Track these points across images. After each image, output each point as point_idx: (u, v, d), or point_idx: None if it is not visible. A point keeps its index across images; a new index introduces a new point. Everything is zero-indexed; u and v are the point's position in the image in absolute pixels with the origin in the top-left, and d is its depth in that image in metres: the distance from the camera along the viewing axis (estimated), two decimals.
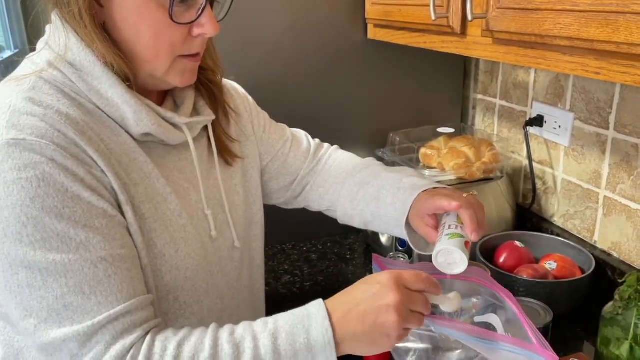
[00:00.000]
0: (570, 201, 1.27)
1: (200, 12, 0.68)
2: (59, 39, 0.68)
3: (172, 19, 0.66)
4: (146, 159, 0.72)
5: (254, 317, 0.69)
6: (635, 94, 1.07)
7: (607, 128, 1.14)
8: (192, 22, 0.69)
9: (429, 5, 1.00)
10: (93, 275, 0.61)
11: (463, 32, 0.97)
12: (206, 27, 0.70)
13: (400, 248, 1.32)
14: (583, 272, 1.14)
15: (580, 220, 1.25)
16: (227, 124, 0.87)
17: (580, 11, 0.69)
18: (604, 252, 1.19)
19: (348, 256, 1.44)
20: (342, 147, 1.50)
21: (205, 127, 0.83)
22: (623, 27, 0.64)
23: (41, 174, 0.60)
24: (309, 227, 1.51)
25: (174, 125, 0.76)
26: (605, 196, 1.17)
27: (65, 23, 0.67)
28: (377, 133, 1.48)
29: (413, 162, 1.36)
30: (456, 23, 0.97)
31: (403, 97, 1.51)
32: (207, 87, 0.83)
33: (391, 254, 1.21)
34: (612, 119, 1.12)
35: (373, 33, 1.36)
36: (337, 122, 1.46)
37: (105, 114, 0.69)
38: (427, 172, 1.31)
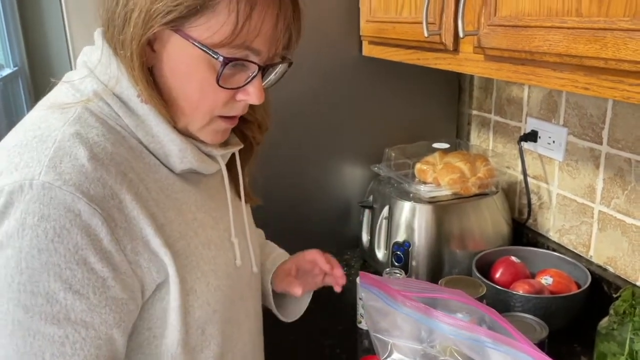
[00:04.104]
0: (566, 216, 1.28)
1: (249, 80, 0.67)
2: (108, 70, 0.67)
3: (218, 84, 0.65)
4: (183, 191, 0.71)
5: (260, 343, 0.67)
6: (627, 109, 1.07)
7: (601, 143, 1.15)
8: (239, 87, 0.67)
9: (421, 23, 1.01)
10: (60, 345, 0.59)
11: (455, 49, 0.99)
12: (251, 96, 0.68)
13: (396, 264, 1.31)
14: (579, 287, 1.14)
15: (575, 235, 1.26)
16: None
17: (569, 28, 0.70)
18: (600, 267, 1.19)
19: (344, 272, 1.43)
20: (338, 163, 1.52)
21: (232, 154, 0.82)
22: (610, 44, 0.64)
23: (59, 229, 0.58)
24: (306, 244, 1.50)
25: (210, 156, 0.75)
26: (600, 211, 1.18)
27: (118, 59, 0.66)
28: (372, 149, 1.49)
29: (409, 178, 1.37)
30: (448, 40, 0.98)
31: (399, 113, 1.52)
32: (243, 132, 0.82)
33: (387, 269, 1.20)
34: (605, 133, 1.13)
35: (368, 50, 1.38)
36: (333, 137, 1.47)
37: (148, 150, 0.68)
38: (422, 188, 1.32)
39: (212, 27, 0.62)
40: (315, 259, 0.94)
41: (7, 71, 3.78)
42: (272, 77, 0.72)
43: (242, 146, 0.81)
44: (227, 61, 0.63)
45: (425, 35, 1.00)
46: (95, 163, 0.61)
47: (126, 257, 0.62)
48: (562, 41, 0.71)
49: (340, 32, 1.39)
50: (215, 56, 0.63)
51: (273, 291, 0.93)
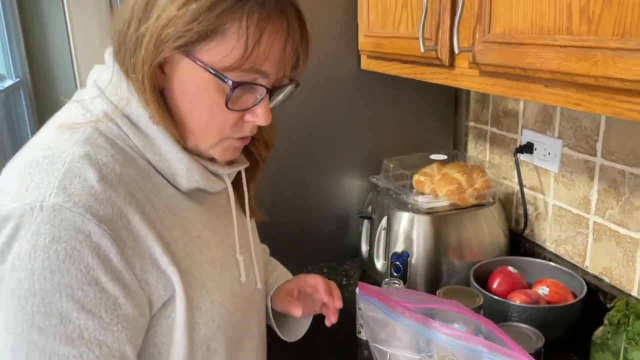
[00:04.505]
0: (562, 226, 1.29)
1: (257, 102, 0.68)
2: (119, 91, 0.68)
3: (227, 106, 0.66)
4: (189, 209, 0.72)
5: (263, 357, 0.68)
6: (620, 122, 1.10)
7: (595, 155, 1.17)
8: (247, 109, 0.69)
9: (418, 38, 1.03)
10: None
11: (451, 64, 1.01)
12: (259, 117, 0.69)
13: (395, 274, 1.33)
14: (575, 296, 1.15)
15: (571, 245, 1.27)
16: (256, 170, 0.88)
17: (560, 46, 0.73)
18: (596, 277, 1.21)
19: (344, 282, 1.45)
20: (337, 174, 1.53)
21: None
22: (600, 62, 0.67)
23: (71, 250, 0.59)
24: (306, 254, 1.53)
25: (216, 174, 0.76)
26: (594, 221, 1.20)
27: (128, 80, 0.67)
28: (371, 160, 1.51)
29: (407, 188, 1.39)
30: (444, 55, 1.01)
31: (397, 125, 1.54)
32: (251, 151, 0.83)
33: (386, 280, 1.22)
34: (599, 146, 1.15)
35: (366, 63, 1.40)
36: (332, 149, 1.49)
37: (156, 169, 0.69)
38: (420, 199, 1.34)
39: (222, 51, 0.63)
40: (316, 285, 0.93)
41: (9, 82, 3.81)
42: (279, 97, 0.74)
43: (247, 164, 0.82)
44: (236, 85, 0.65)
45: (422, 50, 1.03)
46: (105, 184, 0.62)
47: (135, 275, 0.64)
48: (554, 58, 0.74)
49: (339, 47, 1.41)
50: (225, 80, 0.64)
51: (273, 309, 0.94)
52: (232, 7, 0.62)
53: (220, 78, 0.64)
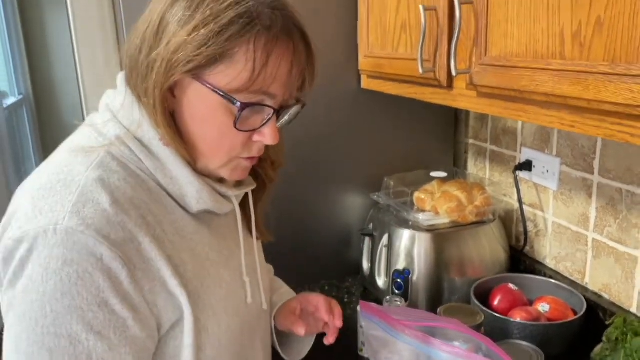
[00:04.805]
0: (561, 243, 1.31)
1: (265, 122, 0.70)
2: (131, 116, 0.70)
3: (235, 127, 0.68)
4: (198, 231, 0.73)
5: None
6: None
7: (592, 173, 1.18)
8: (255, 130, 0.70)
9: (416, 60, 1.06)
10: None
11: (450, 85, 1.03)
12: (267, 137, 0.71)
13: (397, 291, 1.34)
14: (575, 313, 1.16)
15: (571, 262, 1.28)
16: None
17: (554, 70, 0.75)
18: (595, 293, 1.22)
19: (346, 299, 1.46)
20: (339, 191, 1.55)
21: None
22: (592, 86, 0.69)
23: (82, 272, 0.60)
24: (308, 271, 1.54)
25: (224, 196, 0.77)
26: (594, 239, 1.21)
27: (140, 104, 0.69)
28: (372, 177, 1.53)
29: (407, 206, 1.40)
30: (443, 77, 1.03)
31: (397, 143, 1.56)
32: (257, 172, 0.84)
33: (387, 297, 1.23)
34: (596, 164, 1.17)
35: (366, 83, 1.43)
36: (333, 167, 1.51)
37: (166, 191, 0.71)
38: (421, 216, 1.35)
39: (231, 74, 0.65)
40: (318, 304, 0.94)
41: (12, 99, 3.85)
42: (286, 117, 0.75)
43: (255, 186, 0.83)
44: (244, 106, 0.66)
45: (420, 72, 1.05)
46: (117, 208, 0.64)
47: (144, 298, 0.65)
48: (548, 82, 0.76)
49: (340, 66, 1.44)
50: (233, 102, 0.66)
51: (276, 329, 0.95)
52: (240, 31, 0.64)
53: (228, 100, 0.66)
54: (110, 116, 0.71)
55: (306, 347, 0.99)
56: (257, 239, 0.88)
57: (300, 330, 0.89)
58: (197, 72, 0.65)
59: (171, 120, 0.69)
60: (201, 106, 0.68)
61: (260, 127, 0.70)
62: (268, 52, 0.65)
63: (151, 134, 0.69)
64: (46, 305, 0.60)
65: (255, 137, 0.71)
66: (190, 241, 0.72)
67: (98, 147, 0.68)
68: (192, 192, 0.71)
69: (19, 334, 0.61)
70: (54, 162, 0.69)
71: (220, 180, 0.77)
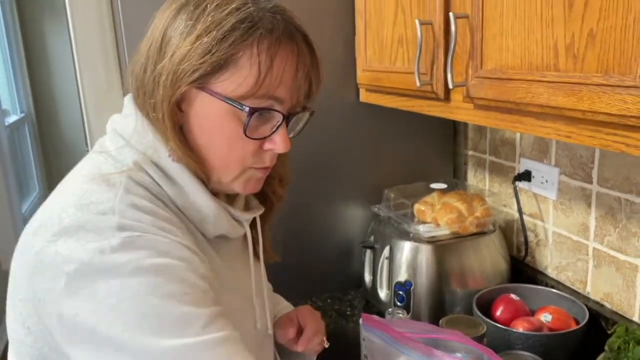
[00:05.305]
0: (562, 253, 1.31)
1: (275, 129, 0.69)
2: (145, 140, 0.69)
3: (245, 134, 0.67)
4: (213, 257, 0.73)
5: None
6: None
7: (591, 182, 1.19)
8: (265, 137, 0.70)
9: (414, 73, 1.07)
10: (222, 353, 0.60)
11: (447, 98, 1.04)
12: (277, 144, 0.71)
13: (399, 304, 1.34)
14: (578, 323, 1.16)
15: (572, 272, 1.29)
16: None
17: (548, 82, 0.76)
18: (597, 302, 1.22)
19: (348, 312, 1.46)
20: (339, 204, 1.56)
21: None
22: (586, 97, 0.70)
23: (161, 264, 0.60)
24: (310, 284, 1.54)
25: (237, 220, 0.77)
26: (594, 248, 1.21)
27: (152, 127, 0.69)
28: (372, 190, 1.54)
29: (408, 218, 1.41)
30: (440, 89, 1.04)
31: (397, 155, 1.57)
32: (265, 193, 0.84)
33: (389, 310, 1.23)
34: (594, 173, 1.18)
35: (365, 96, 1.44)
36: (333, 179, 1.52)
37: (185, 216, 0.70)
38: (421, 227, 1.36)
39: (236, 80, 0.65)
40: (305, 326, 0.94)
41: (14, 117, 3.88)
42: (297, 127, 0.76)
43: (263, 210, 0.83)
44: (252, 111, 0.66)
45: (418, 85, 1.06)
46: (158, 225, 0.64)
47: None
48: (543, 94, 0.77)
49: (338, 80, 1.45)
50: (241, 107, 0.66)
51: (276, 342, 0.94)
52: (242, 36, 0.64)
53: (236, 106, 0.66)
54: (122, 142, 0.70)
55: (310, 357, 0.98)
56: (266, 262, 0.88)
57: (299, 347, 0.89)
58: (202, 81, 0.66)
59: (181, 135, 0.69)
60: (209, 116, 0.68)
61: (271, 134, 0.70)
62: (272, 55, 0.65)
63: (169, 159, 0.69)
64: (140, 305, 0.58)
65: (267, 146, 0.71)
66: (212, 263, 0.72)
67: (117, 173, 0.67)
68: (211, 216, 0.71)
69: (125, 349, 0.58)
70: (72, 191, 0.66)
71: (230, 203, 0.76)
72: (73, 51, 1.26)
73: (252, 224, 0.84)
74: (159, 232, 0.63)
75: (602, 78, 0.67)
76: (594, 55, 0.68)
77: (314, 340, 0.94)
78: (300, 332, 0.94)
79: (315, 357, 0.99)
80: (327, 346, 0.95)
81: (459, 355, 0.85)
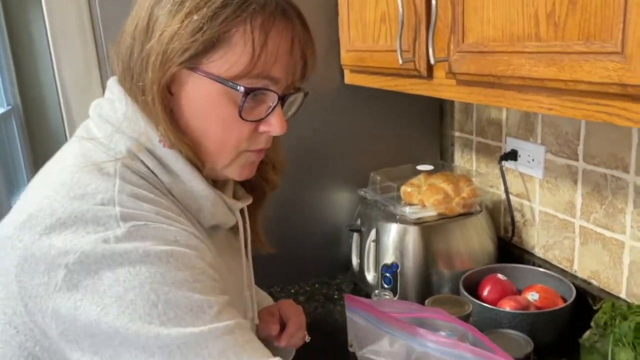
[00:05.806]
0: (549, 232, 1.30)
1: (270, 110, 0.67)
2: (136, 127, 0.65)
3: (240, 116, 0.65)
4: (211, 246, 0.71)
5: None
6: (599, 126, 1.11)
7: (577, 159, 1.18)
8: (261, 119, 0.67)
9: (396, 51, 1.05)
10: (233, 341, 0.57)
11: (429, 75, 1.02)
12: (273, 126, 0.68)
13: (386, 286, 1.33)
14: (565, 301, 1.16)
15: (559, 250, 1.28)
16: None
17: (529, 52, 0.74)
18: (584, 280, 1.21)
19: (336, 296, 1.45)
20: (325, 188, 1.54)
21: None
22: (567, 66, 0.68)
23: (170, 250, 0.57)
24: (297, 269, 1.53)
25: (230, 209, 0.75)
26: (580, 225, 1.20)
27: (139, 109, 0.65)
28: (358, 173, 1.52)
29: (394, 200, 1.39)
30: (422, 66, 1.02)
31: (383, 137, 1.55)
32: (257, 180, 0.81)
33: (376, 291, 1.22)
34: (580, 150, 1.17)
35: (350, 78, 1.42)
36: (319, 163, 1.50)
37: (183, 205, 0.68)
38: (408, 209, 1.34)
39: (230, 59, 0.62)
40: (287, 320, 0.92)
41: (0, 110, 3.83)
42: (291, 109, 0.73)
43: (251, 199, 0.80)
44: (248, 91, 0.63)
45: (400, 62, 1.04)
46: (160, 214, 0.61)
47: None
48: (525, 65, 0.75)
49: (322, 62, 1.41)
50: (236, 88, 0.63)
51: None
52: (234, 12, 0.62)
53: (231, 87, 0.63)
54: (111, 128, 0.66)
55: (291, 351, 0.97)
56: (261, 252, 0.86)
57: (281, 343, 0.88)
58: (193, 61, 0.63)
59: (172, 119, 0.65)
60: (202, 99, 0.65)
61: (267, 115, 0.67)
62: (266, 31, 0.63)
63: (159, 142, 0.66)
64: (149, 293, 0.55)
65: (262, 128, 0.68)
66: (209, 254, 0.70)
67: (110, 162, 0.63)
68: (208, 205, 0.69)
69: (135, 339, 0.55)
70: (63, 182, 0.61)
71: (224, 187, 0.75)
72: (47, 33, 1.23)
73: (242, 215, 0.81)
74: (165, 220, 0.60)
75: (583, 46, 0.66)
76: (575, 22, 0.66)
77: (297, 335, 0.92)
78: (282, 326, 0.92)
79: (294, 351, 0.98)
80: (308, 340, 0.94)
81: (443, 333, 0.84)
